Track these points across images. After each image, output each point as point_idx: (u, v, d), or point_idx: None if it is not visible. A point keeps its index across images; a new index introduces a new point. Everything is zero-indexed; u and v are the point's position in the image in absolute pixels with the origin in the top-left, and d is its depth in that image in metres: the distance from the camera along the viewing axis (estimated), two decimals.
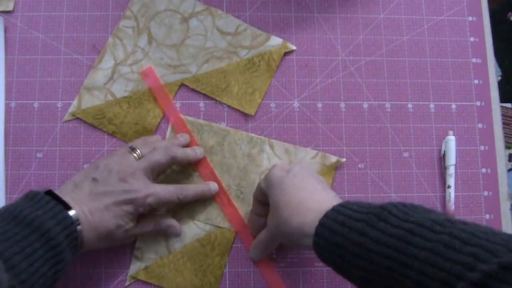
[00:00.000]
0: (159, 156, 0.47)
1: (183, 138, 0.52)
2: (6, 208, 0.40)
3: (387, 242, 0.33)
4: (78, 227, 0.42)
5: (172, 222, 0.50)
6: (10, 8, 0.54)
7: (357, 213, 0.36)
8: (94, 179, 0.45)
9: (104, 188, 0.44)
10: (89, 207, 0.43)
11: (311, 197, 0.41)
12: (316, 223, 0.38)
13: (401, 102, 0.56)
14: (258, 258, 0.50)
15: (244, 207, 0.52)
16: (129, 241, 0.50)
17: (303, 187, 0.42)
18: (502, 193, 0.55)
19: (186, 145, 0.52)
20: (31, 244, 0.38)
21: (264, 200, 0.47)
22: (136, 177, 0.46)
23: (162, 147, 0.48)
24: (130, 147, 0.48)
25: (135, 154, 0.47)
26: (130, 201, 0.44)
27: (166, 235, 0.50)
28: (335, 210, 0.38)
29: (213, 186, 0.51)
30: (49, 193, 0.42)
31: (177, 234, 0.50)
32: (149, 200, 0.45)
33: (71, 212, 0.42)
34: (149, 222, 0.48)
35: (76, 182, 0.45)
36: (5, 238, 0.37)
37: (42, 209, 0.40)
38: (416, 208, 0.35)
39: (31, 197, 0.41)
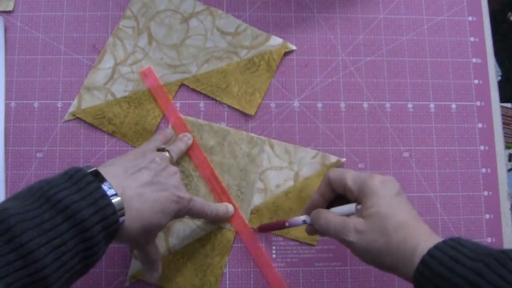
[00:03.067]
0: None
1: (187, 137, 0.52)
2: (41, 186, 0.35)
3: None
4: (121, 219, 0.37)
5: (159, 271, 0.45)
6: (10, 8, 0.54)
7: (473, 252, 0.34)
8: (148, 168, 0.42)
9: (159, 179, 0.42)
10: (140, 195, 0.40)
11: (417, 223, 0.39)
12: (423, 251, 0.36)
13: (401, 102, 0.56)
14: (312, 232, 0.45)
15: (244, 207, 0.52)
16: (144, 249, 0.45)
17: (409, 208, 0.40)
18: (502, 193, 0.55)
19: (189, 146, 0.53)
20: (60, 234, 0.33)
21: (336, 191, 0.43)
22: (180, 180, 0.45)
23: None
24: (160, 147, 0.47)
25: (168, 155, 0.47)
26: (179, 199, 0.42)
27: (147, 271, 0.45)
28: (447, 243, 0.35)
29: (230, 208, 0.51)
30: (94, 173, 0.37)
31: (150, 280, 0.45)
32: (191, 204, 0.44)
33: (115, 200, 0.37)
34: (156, 249, 0.45)
35: (127, 167, 0.41)
36: (33, 225, 0.32)
37: (81, 193, 0.35)
38: None
39: (70, 175, 0.36)
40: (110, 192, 0.37)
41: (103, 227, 0.35)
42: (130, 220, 0.38)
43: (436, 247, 0.35)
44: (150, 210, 0.40)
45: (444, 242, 0.36)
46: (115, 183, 0.38)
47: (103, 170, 0.39)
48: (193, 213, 0.46)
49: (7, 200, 0.35)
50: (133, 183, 0.40)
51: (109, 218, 0.36)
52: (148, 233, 0.41)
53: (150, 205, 0.40)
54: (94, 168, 0.38)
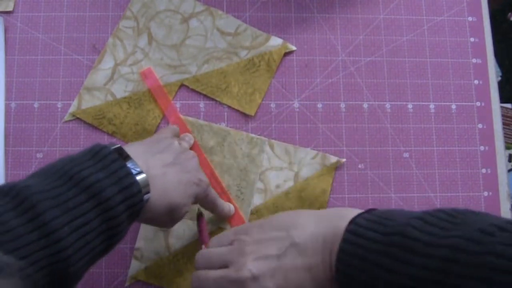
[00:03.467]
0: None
1: (188, 137, 0.52)
2: (64, 163, 0.34)
3: (424, 275, 0.29)
4: (146, 196, 0.37)
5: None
6: (10, 8, 0.54)
7: (377, 243, 0.32)
8: (169, 151, 0.42)
9: (180, 161, 0.42)
10: (164, 175, 0.39)
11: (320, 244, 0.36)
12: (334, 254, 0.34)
13: (401, 102, 0.56)
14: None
15: (244, 207, 0.52)
16: (171, 226, 0.45)
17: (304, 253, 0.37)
18: (502, 193, 0.55)
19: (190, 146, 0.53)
20: (84, 213, 0.32)
21: None
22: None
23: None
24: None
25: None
26: (199, 182, 0.43)
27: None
28: (349, 241, 0.34)
29: (231, 207, 0.51)
30: (118, 150, 0.37)
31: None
32: (209, 190, 0.45)
33: (140, 177, 0.36)
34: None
35: (147, 148, 0.41)
36: (57, 203, 0.31)
37: (105, 171, 0.34)
38: (441, 219, 0.31)
39: (95, 153, 0.36)
40: (134, 170, 0.36)
41: (127, 206, 0.35)
42: (155, 198, 0.38)
43: (342, 250, 0.34)
44: (173, 190, 0.40)
45: (345, 240, 0.34)
46: (140, 162, 0.38)
47: (125, 149, 0.38)
48: (208, 200, 0.46)
49: (29, 177, 0.34)
50: (157, 163, 0.40)
51: (134, 197, 0.35)
52: (173, 212, 0.40)
53: (174, 185, 0.40)
54: (118, 146, 0.38)
